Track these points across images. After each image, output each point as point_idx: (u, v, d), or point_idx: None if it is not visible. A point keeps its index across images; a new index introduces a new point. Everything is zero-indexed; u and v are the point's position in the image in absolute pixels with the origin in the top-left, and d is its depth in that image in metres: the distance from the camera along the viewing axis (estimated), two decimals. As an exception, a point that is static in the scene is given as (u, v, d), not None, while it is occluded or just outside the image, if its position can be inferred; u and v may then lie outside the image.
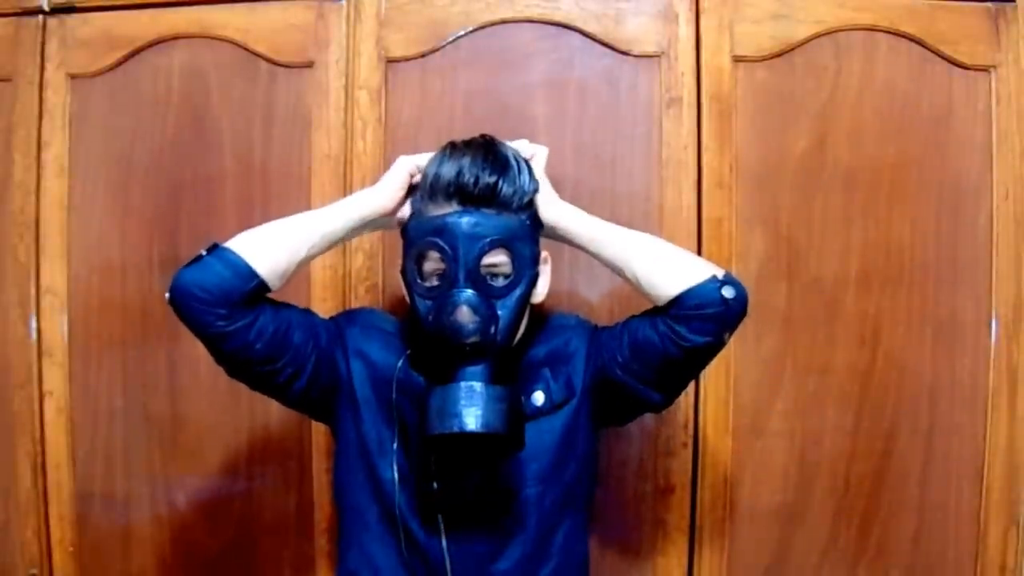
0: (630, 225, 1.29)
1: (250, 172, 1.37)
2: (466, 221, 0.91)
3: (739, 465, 1.31)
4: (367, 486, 1.01)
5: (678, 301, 0.94)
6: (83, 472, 1.41)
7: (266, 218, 1.34)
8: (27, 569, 1.41)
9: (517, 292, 0.94)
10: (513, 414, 0.90)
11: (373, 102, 1.34)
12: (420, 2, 1.34)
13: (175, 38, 1.39)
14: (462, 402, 0.88)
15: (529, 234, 0.95)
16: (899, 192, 1.31)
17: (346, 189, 1.34)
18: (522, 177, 0.95)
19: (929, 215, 1.32)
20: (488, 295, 0.92)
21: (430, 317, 0.92)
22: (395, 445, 1.00)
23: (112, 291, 1.40)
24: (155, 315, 1.39)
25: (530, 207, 0.97)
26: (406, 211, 1.01)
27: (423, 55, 1.34)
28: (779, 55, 1.31)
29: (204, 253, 0.96)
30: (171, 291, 0.94)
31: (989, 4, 1.32)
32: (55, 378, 1.40)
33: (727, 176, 1.30)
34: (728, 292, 0.93)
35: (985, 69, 1.31)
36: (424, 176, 0.97)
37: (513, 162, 0.95)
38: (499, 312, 0.92)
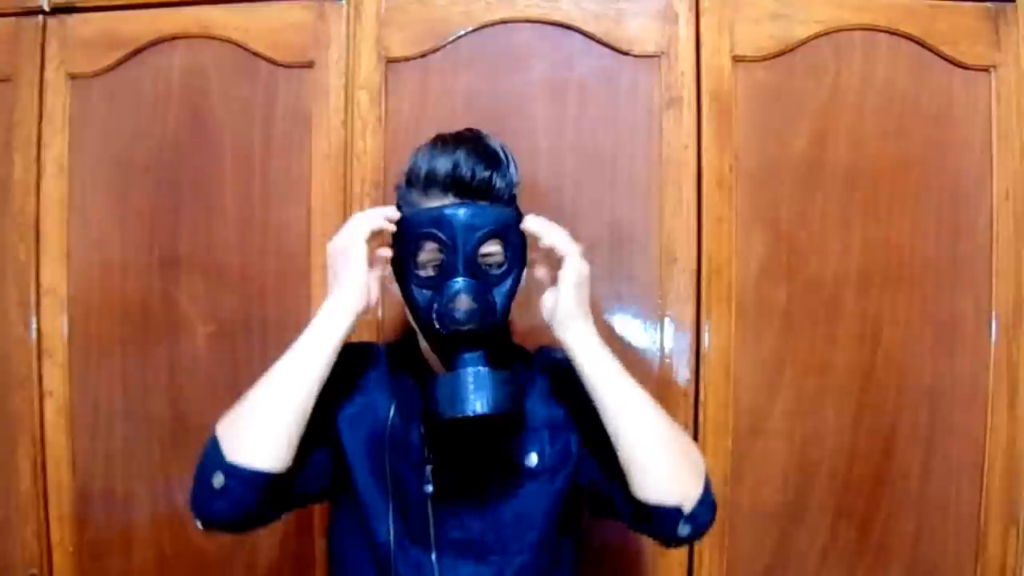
0: (630, 224, 1.32)
1: (250, 172, 1.37)
2: (463, 212, 0.93)
3: (739, 465, 1.31)
4: (363, 549, 1.01)
5: (639, 503, 0.92)
6: (83, 472, 1.41)
7: (266, 218, 1.37)
8: (27, 569, 1.41)
9: (510, 279, 0.96)
10: (516, 393, 0.93)
11: (373, 102, 1.34)
12: (420, 2, 1.34)
13: (175, 38, 1.39)
14: (471, 386, 0.90)
15: (517, 225, 0.96)
16: (899, 192, 1.31)
17: (346, 189, 1.34)
18: (511, 170, 0.98)
19: (929, 215, 1.32)
20: (485, 283, 0.94)
21: (429, 305, 0.94)
22: (390, 508, 1.00)
23: (112, 291, 1.40)
24: (155, 315, 1.39)
25: (515, 199, 1.00)
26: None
27: (423, 55, 1.34)
28: (779, 55, 1.31)
29: (211, 473, 0.90)
30: (203, 525, 0.91)
31: (989, 4, 1.32)
32: (55, 378, 1.40)
33: (727, 176, 1.30)
34: (684, 530, 0.91)
35: (985, 69, 1.31)
36: (415, 169, 0.97)
37: (503, 156, 0.97)
38: (495, 299, 0.95)
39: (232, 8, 1.37)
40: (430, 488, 0.99)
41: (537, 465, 1.00)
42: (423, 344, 1.01)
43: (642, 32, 1.31)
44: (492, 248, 0.95)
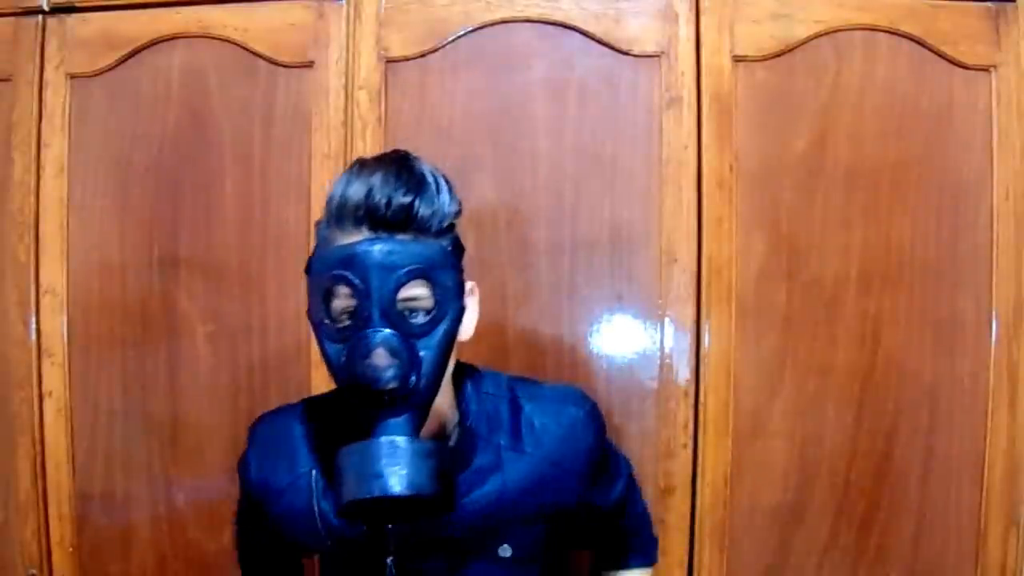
0: (630, 225, 1.32)
1: (250, 172, 1.37)
2: (378, 249, 0.77)
3: (739, 465, 1.31)
4: None
5: None
6: (83, 472, 1.41)
7: (266, 218, 1.36)
8: (27, 569, 1.40)
9: (441, 329, 0.80)
10: (441, 472, 0.78)
11: (373, 102, 1.34)
12: (420, 2, 1.34)
13: (175, 38, 1.39)
14: (383, 460, 0.75)
15: (452, 262, 0.82)
16: (899, 192, 1.31)
17: (346, 189, 1.34)
18: (441, 197, 0.81)
19: (929, 215, 1.32)
20: (408, 334, 0.78)
21: (342, 362, 0.79)
22: None
23: (112, 291, 1.40)
24: (155, 315, 1.39)
25: (451, 230, 0.84)
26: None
27: (423, 55, 1.34)
28: (779, 55, 1.31)
29: None
30: None
31: (989, 4, 1.32)
32: (55, 378, 1.40)
33: (727, 176, 1.30)
34: None
35: (985, 69, 1.31)
36: (329, 200, 0.82)
37: (430, 179, 0.81)
38: (421, 353, 0.79)
39: (232, 8, 1.37)
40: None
41: (510, 557, 0.91)
42: None
43: (642, 32, 1.31)
44: (416, 291, 0.79)
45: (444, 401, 0.89)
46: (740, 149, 1.31)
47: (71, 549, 1.40)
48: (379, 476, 0.75)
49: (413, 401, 0.79)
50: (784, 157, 1.31)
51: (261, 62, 1.37)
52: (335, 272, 0.78)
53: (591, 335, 1.32)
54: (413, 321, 0.79)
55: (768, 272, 1.31)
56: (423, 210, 0.79)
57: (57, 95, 1.40)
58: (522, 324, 1.32)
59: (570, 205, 1.32)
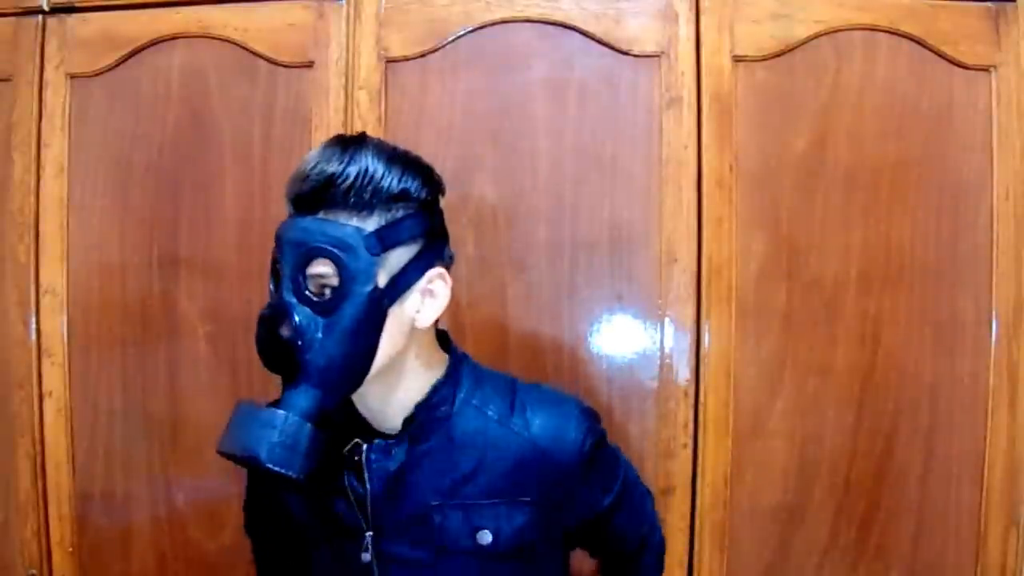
0: (630, 224, 1.32)
1: (250, 172, 1.37)
2: (291, 227, 0.82)
3: (739, 465, 1.31)
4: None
5: None
6: (83, 472, 1.41)
7: (266, 218, 1.36)
8: (27, 569, 1.40)
9: (348, 308, 0.80)
10: (287, 446, 0.79)
11: (373, 102, 1.34)
12: (420, 2, 1.34)
13: (175, 38, 1.39)
14: (234, 422, 0.81)
15: (371, 244, 0.81)
16: (899, 192, 1.31)
17: (346, 189, 1.34)
18: (378, 177, 0.81)
19: (929, 215, 1.32)
20: (312, 308, 0.80)
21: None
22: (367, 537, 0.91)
23: (112, 291, 1.40)
24: (155, 315, 1.39)
25: (405, 210, 0.83)
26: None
27: (423, 55, 1.34)
28: (779, 55, 1.31)
29: None
30: None
31: (989, 4, 1.32)
32: (55, 378, 1.40)
33: (727, 176, 1.30)
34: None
35: (985, 69, 1.31)
36: None
37: (366, 158, 0.81)
38: (320, 331, 0.80)
39: (232, 8, 1.37)
40: (367, 557, 0.90)
41: (490, 546, 0.89)
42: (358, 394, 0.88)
43: (642, 32, 1.31)
44: (321, 269, 0.81)
45: (418, 387, 0.90)
46: (740, 149, 1.31)
47: (71, 549, 1.40)
48: (227, 435, 0.82)
49: (309, 373, 0.80)
50: (784, 157, 1.31)
51: (261, 62, 1.37)
52: (273, 251, 0.84)
53: (591, 335, 1.32)
54: (318, 299, 0.81)
55: (768, 272, 1.31)
56: (342, 184, 0.80)
57: (57, 95, 1.40)
58: (522, 324, 1.31)
59: (570, 205, 1.32)
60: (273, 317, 0.81)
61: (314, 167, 0.81)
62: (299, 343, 0.80)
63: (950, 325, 1.31)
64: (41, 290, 1.40)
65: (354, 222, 0.81)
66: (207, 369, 1.38)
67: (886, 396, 1.31)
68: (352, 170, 0.81)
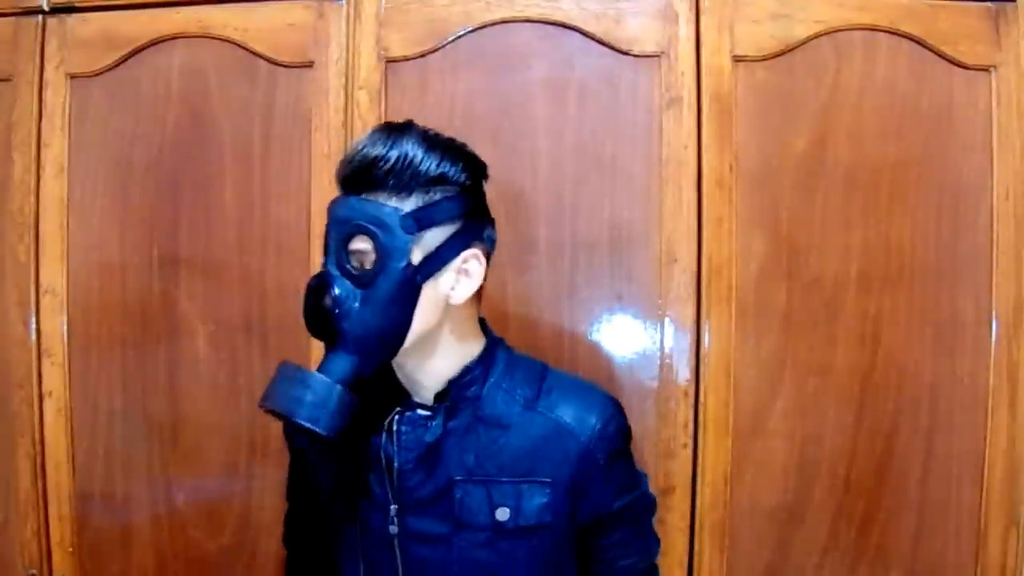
0: (630, 224, 1.32)
1: (250, 172, 1.37)
2: (339, 204, 0.89)
3: (739, 465, 1.31)
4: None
5: None
6: (83, 472, 1.41)
7: (266, 218, 1.36)
8: (27, 569, 1.41)
9: (382, 284, 0.86)
10: (318, 405, 0.85)
11: (373, 102, 1.34)
12: (420, 2, 1.34)
13: (174, 38, 1.39)
14: (275, 380, 0.87)
15: (408, 224, 0.86)
16: (899, 192, 1.31)
17: (346, 189, 1.34)
18: (416, 161, 0.87)
19: (929, 215, 1.32)
20: (352, 281, 0.86)
21: None
22: (359, 546, 0.98)
23: (112, 291, 1.40)
24: (155, 315, 1.39)
25: (444, 192, 0.89)
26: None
27: (423, 55, 1.34)
28: (779, 55, 1.31)
29: None
30: None
31: (989, 4, 1.32)
32: (55, 378, 1.40)
33: (727, 176, 1.30)
34: None
35: (985, 69, 1.31)
36: None
37: (408, 143, 0.88)
38: (356, 302, 0.86)
39: (232, 8, 1.37)
40: (394, 529, 0.94)
41: (508, 521, 0.92)
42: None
43: (642, 32, 1.31)
44: (361, 245, 0.87)
45: (452, 364, 0.94)
46: (740, 149, 1.31)
47: (71, 549, 1.40)
48: (269, 393, 0.87)
49: (346, 340, 0.86)
50: (784, 157, 1.31)
51: (261, 62, 1.37)
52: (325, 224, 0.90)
53: (591, 335, 1.32)
54: (357, 272, 0.87)
55: (768, 272, 1.31)
56: (383, 166, 0.86)
57: (57, 95, 1.40)
58: (522, 324, 1.32)
59: (570, 205, 1.32)
60: (318, 287, 0.87)
61: (360, 150, 0.88)
62: (337, 312, 0.86)
63: (950, 325, 1.31)
64: (41, 290, 1.40)
65: (393, 202, 0.87)
66: (207, 369, 1.38)
67: (886, 396, 1.31)
68: (393, 154, 0.87)
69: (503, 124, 1.33)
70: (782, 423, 1.31)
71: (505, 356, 0.99)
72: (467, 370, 0.94)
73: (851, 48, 1.31)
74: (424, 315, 0.89)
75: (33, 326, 1.40)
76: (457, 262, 0.90)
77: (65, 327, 1.40)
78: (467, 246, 0.91)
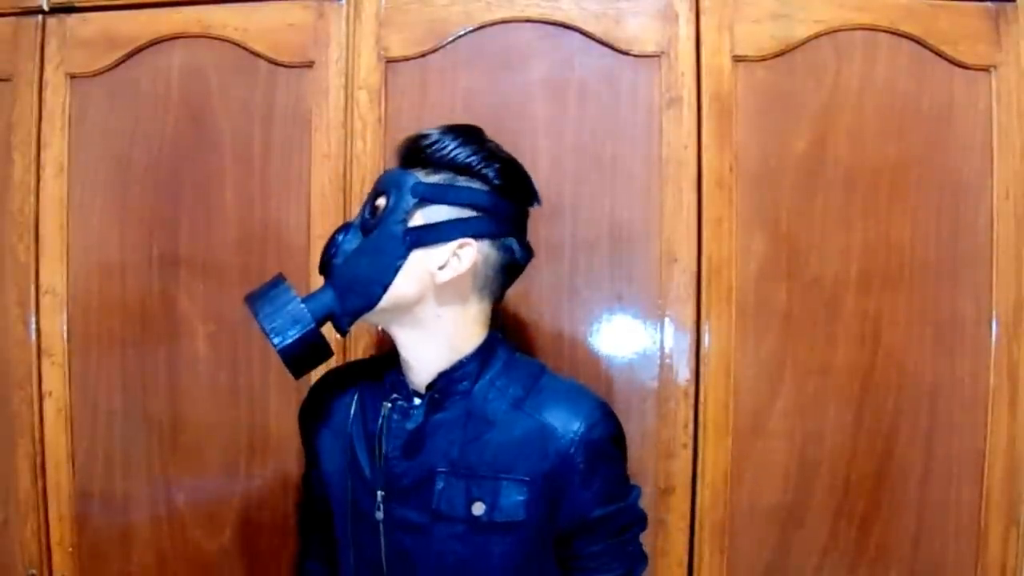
0: (630, 224, 1.32)
1: (250, 172, 1.37)
2: (385, 173, 1.00)
3: (739, 465, 1.31)
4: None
5: None
6: (83, 472, 1.41)
7: (266, 218, 1.36)
8: (27, 569, 1.41)
9: (377, 234, 0.94)
10: (285, 320, 0.92)
11: (373, 102, 1.34)
12: (420, 2, 1.34)
13: (174, 38, 1.39)
14: (264, 286, 0.96)
15: (416, 190, 0.93)
16: (899, 192, 1.31)
17: (346, 189, 1.34)
18: (459, 147, 0.95)
19: (929, 215, 1.32)
20: (361, 231, 0.96)
21: None
22: (350, 535, 1.01)
23: (112, 291, 1.40)
24: (155, 315, 1.39)
25: (462, 180, 0.95)
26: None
27: (423, 55, 1.34)
28: (779, 55, 1.31)
29: None
30: None
31: (989, 4, 1.32)
32: (55, 378, 1.40)
33: (727, 176, 1.30)
34: None
35: (985, 69, 1.31)
36: None
37: (458, 133, 0.97)
38: (350, 245, 0.96)
39: (232, 8, 1.37)
40: (380, 515, 0.97)
41: (483, 516, 0.93)
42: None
43: (642, 32, 1.31)
44: (380, 202, 0.96)
45: (441, 356, 0.98)
46: (740, 149, 1.31)
47: (71, 549, 1.40)
48: (254, 295, 0.96)
49: (332, 274, 0.96)
50: (784, 157, 1.31)
51: (261, 62, 1.37)
52: None
53: (591, 335, 1.32)
54: (368, 224, 0.96)
55: (768, 272, 1.31)
56: (422, 144, 0.96)
57: (57, 95, 1.40)
58: (522, 324, 1.32)
59: (570, 205, 1.32)
60: (335, 234, 0.97)
61: (419, 132, 0.97)
62: (333, 250, 0.96)
63: (950, 325, 1.31)
64: (41, 290, 1.40)
65: (419, 175, 0.94)
66: (207, 369, 1.38)
67: (886, 396, 1.31)
68: (436, 136, 0.96)
69: (503, 124, 1.32)
70: (782, 423, 1.31)
71: (505, 356, 1.00)
72: (460, 364, 0.97)
73: (851, 48, 1.31)
74: (407, 279, 0.93)
75: (33, 326, 1.40)
76: (453, 244, 0.93)
77: (65, 327, 1.40)
78: (471, 235, 0.94)
